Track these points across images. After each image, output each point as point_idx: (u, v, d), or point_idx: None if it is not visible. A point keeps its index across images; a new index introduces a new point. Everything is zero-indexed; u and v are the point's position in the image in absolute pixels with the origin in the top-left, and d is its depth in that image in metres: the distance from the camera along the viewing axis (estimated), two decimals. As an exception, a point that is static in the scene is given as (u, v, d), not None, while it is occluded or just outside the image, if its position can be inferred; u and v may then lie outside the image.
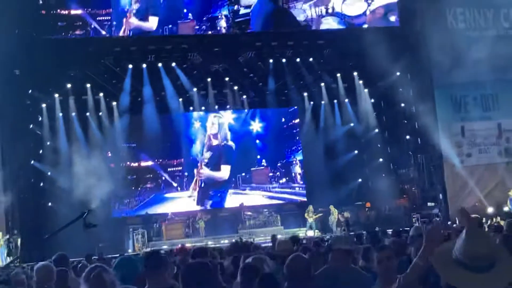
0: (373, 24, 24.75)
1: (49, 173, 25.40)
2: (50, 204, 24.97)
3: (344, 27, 24.81)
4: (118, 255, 16.14)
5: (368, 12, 24.80)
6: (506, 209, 23.51)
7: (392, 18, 24.93)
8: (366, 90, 27.80)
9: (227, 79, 27.19)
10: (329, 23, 24.74)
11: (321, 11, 24.66)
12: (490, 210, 23.86)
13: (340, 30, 24.89)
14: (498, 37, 25.17)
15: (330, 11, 24.65)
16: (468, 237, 2.79)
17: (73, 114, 25.99)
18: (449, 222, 21.48)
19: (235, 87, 27.74)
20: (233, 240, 16.25)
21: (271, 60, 26.17)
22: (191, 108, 27.95)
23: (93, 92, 26.05)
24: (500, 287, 2.79)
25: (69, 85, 25.31)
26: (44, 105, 25.41)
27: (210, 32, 24.53)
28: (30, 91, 24.69)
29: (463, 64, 23.24)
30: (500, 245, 3.29)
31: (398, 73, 25.11)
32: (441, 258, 2.89)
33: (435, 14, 24.46)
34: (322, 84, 28.07)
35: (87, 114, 26.35)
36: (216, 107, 28.12)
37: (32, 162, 24.77)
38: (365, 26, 24.73)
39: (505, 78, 24.88)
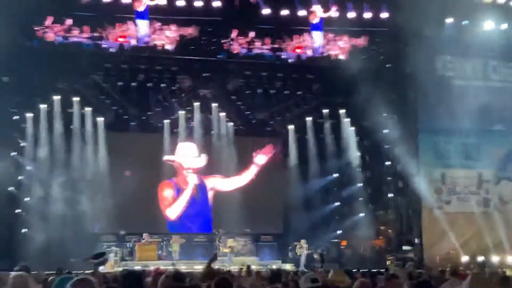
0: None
1: (28, 168, 25.43)
2: (18, 211, 24.98)
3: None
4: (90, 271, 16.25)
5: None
6: None
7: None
8: (352, 128, 28.21)
9: (214, 105, 27.57)
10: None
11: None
12: (464, 259, 24.00)
13: (330, 66, 25.37)
14: (485, 88, 25.73)
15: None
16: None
17: (58, 126, 25.87)
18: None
19: (222, 114, 27.97)
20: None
21: (259, 90, 26.65)
22: (175, 130, 27.95)
23: (80, 106, 26.19)
24: None
25: (56, 97, 25.55)
26: (29, 115, 25.40)
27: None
28: (17, 99, 24.83)
29: (449, 111, 24.00)
30: None
31: (384, 114, 25.32)
32: None
33: (425, 60, 24.73)
34: (308, 118, 28.54)
35: (71, 127, 26.33)
36: (201, 132, 28.08)
37: (12, 154, 24.79)
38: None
39: (489, 128, 25.39)
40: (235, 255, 25.43)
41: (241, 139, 28.45)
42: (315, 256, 25.78)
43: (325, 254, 26.22)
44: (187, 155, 27.73)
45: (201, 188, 28.46)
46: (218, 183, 28.37)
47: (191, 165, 27.82)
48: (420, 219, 25.43)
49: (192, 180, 28.05)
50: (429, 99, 24.82)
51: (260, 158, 27.65)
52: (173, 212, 28.04)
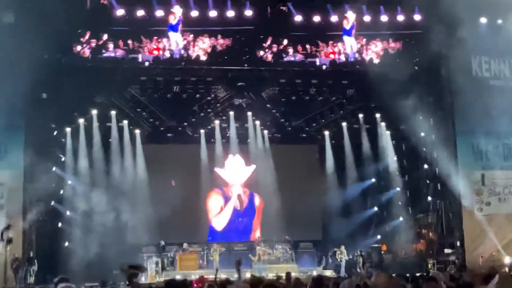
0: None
1: (69, 182, 25.97)
2: (60, 225, 25.61)
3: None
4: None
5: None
6: None
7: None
8: (388, 132, 28.35)
9: (249, 113, 28.03)
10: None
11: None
12: (507, 260, 23.69)
13: (364, 71, 25.36)
14: (523, 88, 25.46)
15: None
16: (499, 283, 3.13)
17: (97, 139, 26.52)
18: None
19: (257, 122, 28.36)
20: (248, 275, 16.30)
21: (294, 97, 26.91)
22: (212, 140, 28.41)
23: (118, 119, 26.80)
24: None
25: (94, 111, 26.25)
26: (68, 129, 26.09)
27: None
28: (56, 115, 25.26)
29: (486, 112, 23.80)
30: None
31: (421, 117, 25.43)
32: None
33: (460, 62, 24.72)
34: (344, 123, 28.75)
35: (110, 140, 26.95)
36: (237, 140, 28.52)
37: (54, 169, 25.10)
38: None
39: (528, 128, 25.03)
40: (262, 263, 25.43)
41: (277, 147, 28.77)
42: (356, 258, 26.11)
43: (366, 255, 26.33)
44: (234, 168, 28.55)
45: (250, 204, 29.16)
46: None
47: (237, 180, 28.66)
48: (460, 221, 25.20)
49: (237, 192, 28.75)
50: (466, 100, 24.52)
51: None
52: (219, 222, 28.67)
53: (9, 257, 21.27)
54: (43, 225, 24.65)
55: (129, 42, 24.87)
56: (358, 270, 24.84)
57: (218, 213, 28.76)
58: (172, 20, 24.37)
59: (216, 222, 28.69)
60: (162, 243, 26.40)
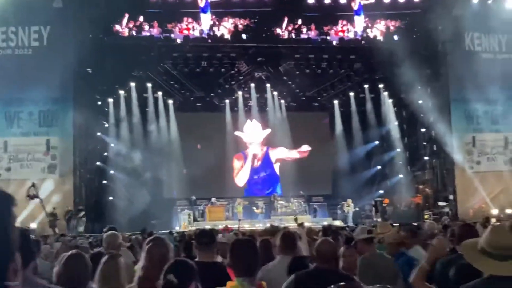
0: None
1: (112, 145, 28.96)
2: (105, 182, 28.41)
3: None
4: (168, 231, 19.33)
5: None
6: None
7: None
8: (390, 100, 30.51)
9: (268, 85, 30.38)
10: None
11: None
12: (494, 211, 25.57)
13: (369, 47, 27.66)
14: (510, 60, 27.68)
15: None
16: (492, 231, 3.15)
17: (135, 108, 29.33)
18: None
19: (275, 93, 30.76)
20: (267, 225, 18.45)
21: (307, 70, 29.14)
22: (235, 108, 31.06)
23: (153, 91, 29.47)
24: None
25: (132, 84, 28.95)
26: (110, 100, 28.90)
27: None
28: (99, 87, 28.15)
29: (477, 82, 25.75)
30: None
31: (419, 87, 27.25)
32: (469, 248, 3.25)
33: (455, 37, 26.90)
34: (351, 93, 31.04)
35: (147, 109, 29.77)
36: (257, 109, 31.11)
37: (99, 134, 28.02)
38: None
39: (513, 96, 27.02)
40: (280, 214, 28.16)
41: (293, 114, 31.24)
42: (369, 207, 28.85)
43: (379, 203, 28.63)
44: (251, 131, 31.20)
45: (266, 158, 31.66)
46: (282, 154, 31.63)
47: (254, 139, 31.30)
48: (453, 178, 27.13)
49: (253, 151, 31.37)
50: (459, 71, 26.24)
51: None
52: (240, 179, 31.43)
53: (45, 210, 22.53)
54: (91, 182, 27.46)
55: (162, 23, 27.06)
56: (374, 219, 27.11)
57: (238, 172, 31.43)
58: (200, 3, 26.76)
59: (237, 179, 31.41)
60: (193, 197, 29.08)
